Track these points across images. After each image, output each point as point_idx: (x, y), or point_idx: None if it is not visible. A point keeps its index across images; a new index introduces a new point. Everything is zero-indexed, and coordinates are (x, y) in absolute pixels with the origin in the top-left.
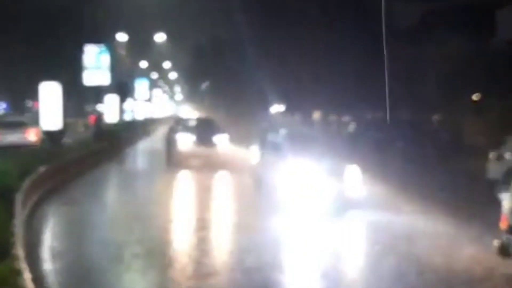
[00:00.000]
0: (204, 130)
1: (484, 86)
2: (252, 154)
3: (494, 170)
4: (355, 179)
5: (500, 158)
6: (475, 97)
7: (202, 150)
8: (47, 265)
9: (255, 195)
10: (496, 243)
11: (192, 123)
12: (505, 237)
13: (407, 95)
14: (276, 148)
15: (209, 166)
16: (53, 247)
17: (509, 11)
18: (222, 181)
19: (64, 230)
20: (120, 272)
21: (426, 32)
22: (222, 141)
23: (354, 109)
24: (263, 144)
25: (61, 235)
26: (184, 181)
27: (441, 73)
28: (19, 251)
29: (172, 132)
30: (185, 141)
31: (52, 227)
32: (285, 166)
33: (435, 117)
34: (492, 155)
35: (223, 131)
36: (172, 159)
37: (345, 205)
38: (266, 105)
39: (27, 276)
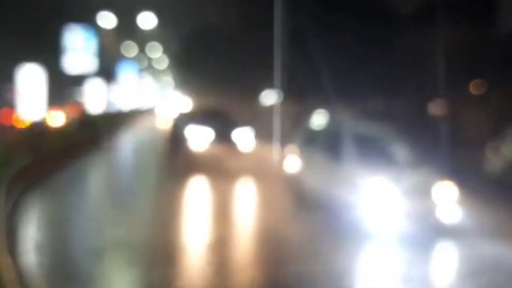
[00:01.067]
0: (219, 125)
1: (486, 76)
2: (290, 159)
3: (492, 164)
4: (448, 198)
5: (498, 152)
6: (473, 87)
7: (219, 150)
8: (31, 258)
9: (298, 215)
10: None
11: (199, 115)
12: None
13: (408, 85)
14: (331, 153)
15: (230, 171)
16: (37, 240)
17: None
18: (249, 193)
19: (48, 223)
20: (103, 264)
21: (427, 20)
22: (244, 138)
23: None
24: (309, 147)
25: (45, 228)
26: (197, 192)
27: (442, 62)
28: (2, 244)
29: (178, 126)
30: (198, 139)
31: (36, 220)
32: (349, 179)
33: (436, 108)
34: (490, 148)
35: (242, 125)
36: (178, 161)
37: (436, 233)
38: (259, 93)
39: (10, 269)
